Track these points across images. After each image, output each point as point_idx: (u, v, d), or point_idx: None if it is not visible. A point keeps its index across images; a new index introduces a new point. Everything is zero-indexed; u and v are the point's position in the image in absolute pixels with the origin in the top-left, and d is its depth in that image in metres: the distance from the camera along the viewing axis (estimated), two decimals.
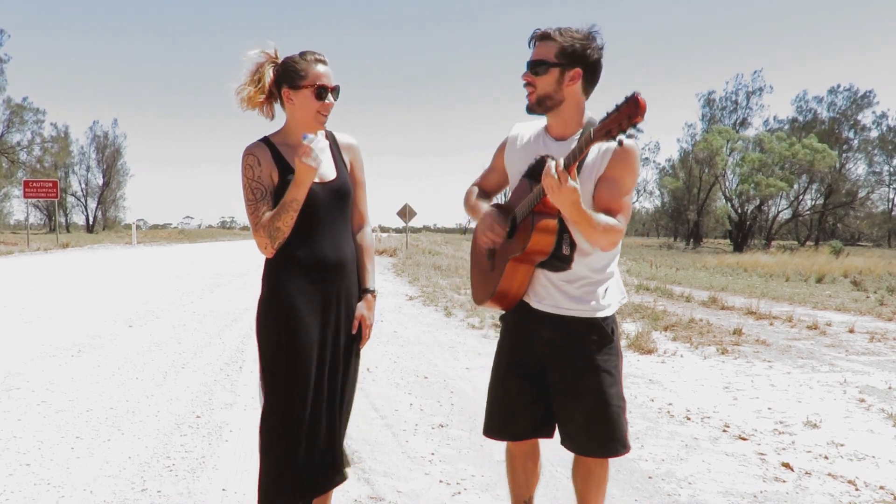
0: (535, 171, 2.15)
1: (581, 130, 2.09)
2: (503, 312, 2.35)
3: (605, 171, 2.06)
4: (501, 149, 2.35)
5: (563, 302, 2.15)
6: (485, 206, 2.31)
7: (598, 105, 2.15)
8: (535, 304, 2.19)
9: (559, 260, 2.10)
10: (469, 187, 2.45)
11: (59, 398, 4.51)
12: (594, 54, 2.07)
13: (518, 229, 2.13)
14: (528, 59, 2.11)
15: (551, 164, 1.87)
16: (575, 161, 1.87)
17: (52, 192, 33.61)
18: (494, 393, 2.34)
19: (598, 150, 2.07)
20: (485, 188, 2.43)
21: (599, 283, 2.17)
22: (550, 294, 2.16)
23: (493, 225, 2.19)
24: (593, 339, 2.15)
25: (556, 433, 2.33)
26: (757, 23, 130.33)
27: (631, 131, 1.76)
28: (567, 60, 2.05)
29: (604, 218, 1.98)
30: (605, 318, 2.17)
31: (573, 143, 2.08)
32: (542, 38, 2.08)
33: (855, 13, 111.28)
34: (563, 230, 2.07)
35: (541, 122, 2.25)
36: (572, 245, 2.10)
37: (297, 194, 2.12)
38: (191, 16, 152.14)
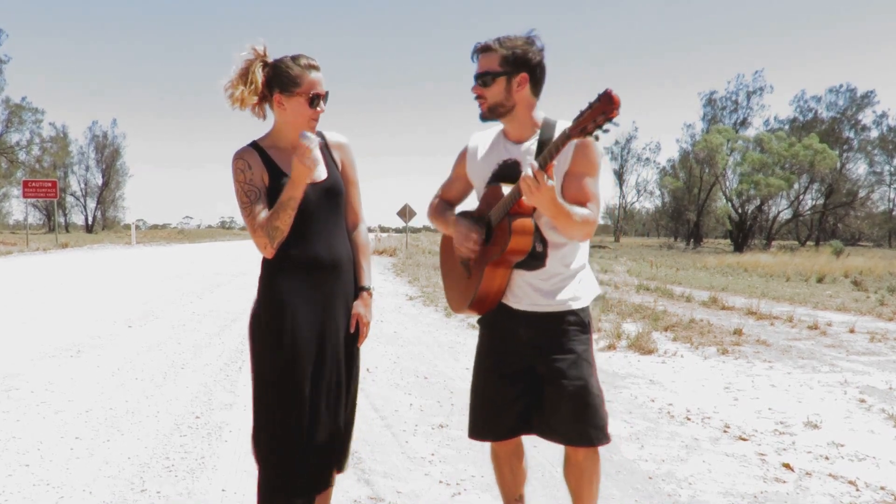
0: (502, 175, 2.22)
1: (539, 131, 2.19)
2: (479, 317, 2.39)
3: (570, 166, 2.13)
4: (462, 159, 2.42)
5: (539, 299, 2.20)
6: (452, 217, 2.36)
7: (564, 107, 2.18)
8: (513, 304, 2.24)
9: (534, 258, 2.16)
10: (432, 200, 2.52)
11: (58, 398, 4.51)
12: (535, 57, 2.15)
13: (495, 233, 2.18)
14: (473, 72, 2.18)
15: (528, 168, 1.92)
16: (551, 160, 1.94)
17: (51, 192, 33.61)
18: (477, 395, 2.38)
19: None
20: (448, 199, 2.50)
21: (573, 276, 2.23)
22: (527, 294, 2.21)
23: (469, 233, 2.24)
24: (571, 330, 2.21)
25: (530, 443, 2.36)
26: (757, 23, 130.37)
27: (607, 126, 1.82)
28: (511, 67, 2.13)
29: (579, 210, 2.05)
30: (582, 309, 2.24)
31: (533, 145, 2.18)
32: (483, 50, 2.16)
33: (855, 13, 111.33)
34: (534, 229, 2.13)
35: (496, 127, 2.33)
36: (544, 242, 2.17)
37: (293, 192, 2.12)
38: (191, 16, 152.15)
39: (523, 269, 2.19)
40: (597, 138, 1.85)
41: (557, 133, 1.96)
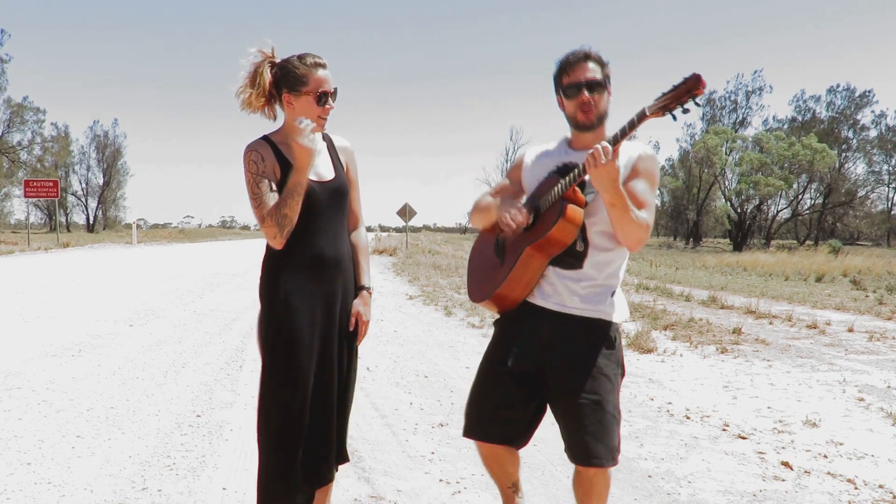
0: (563, 170, 2.16)
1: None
2: (498, 316, 2.32)
3: (632, 171, 2.12)
4: (518, 165, 2.37)
5: (569, 300, 2.14)
6: (499, 200, 2.28)
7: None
8: (539, 302, 2.17)
9: (572, 256, 2.11)
10: (480, 196, 2.41)
11: (59, 397, 4.52)
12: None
13: (543, 216, 2.12)
14: (574, 77, 2.13)
15: (598, 144, 1.91)
16: (624, 137, 1.92)
17: (52, 191, 33.61)
18: (481, 392, 2.28)
19: (626, 157, 2.13)
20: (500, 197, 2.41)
21: (606, 286, 2.16)
22: (557, 292, 2.15)
23: (518, 208, 2.15)
24: (595, 341, 2.13)
25: (530, 442, 2.33)
26: (757, 23, 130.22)
27: (688, 105, 1.83)
28: (608, 81, 2.17)
29: (637, 210, 2.01)
30: (609, 323, 2.16)
31: None
32: (589, 59, 2.14)
33: (855, 13, 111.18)
34: (581, 224, 2.09)
35: (556, 140, 2.32)
36: (586, 242, 2.12)
37: (299, 178, 2.14)
38: (191, 16, 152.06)
39: (558, 267, 2.13)
40: (674, 117, 1.85)
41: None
